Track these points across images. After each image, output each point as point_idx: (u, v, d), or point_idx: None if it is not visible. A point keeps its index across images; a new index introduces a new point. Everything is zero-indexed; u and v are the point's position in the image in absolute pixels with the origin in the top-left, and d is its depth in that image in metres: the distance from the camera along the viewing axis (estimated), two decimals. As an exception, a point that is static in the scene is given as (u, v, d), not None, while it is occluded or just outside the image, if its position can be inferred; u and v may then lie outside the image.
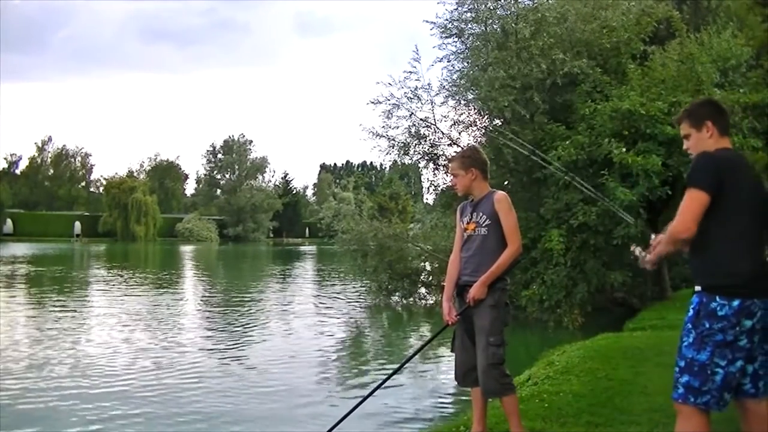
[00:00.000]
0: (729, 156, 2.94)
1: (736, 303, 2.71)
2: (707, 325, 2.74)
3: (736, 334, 2.72)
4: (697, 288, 2.82)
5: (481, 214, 4.01)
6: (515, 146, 5.26)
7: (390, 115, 14.46)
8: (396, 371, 4.92)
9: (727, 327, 2.71)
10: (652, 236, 3.16)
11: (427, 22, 14.11)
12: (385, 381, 4.65)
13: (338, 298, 18.09)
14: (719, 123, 3.01)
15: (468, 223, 4.06)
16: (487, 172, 4.15)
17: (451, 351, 4.21)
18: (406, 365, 8.15)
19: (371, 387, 4.85)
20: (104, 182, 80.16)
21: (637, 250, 3.23)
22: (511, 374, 4.03)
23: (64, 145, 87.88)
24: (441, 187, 15.14)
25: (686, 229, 2.80)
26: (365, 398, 4.50)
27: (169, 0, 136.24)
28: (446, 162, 14.47)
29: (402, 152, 14.94)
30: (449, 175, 4.19)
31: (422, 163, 15.30)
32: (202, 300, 18.28)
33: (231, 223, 76.39)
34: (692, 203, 2.79)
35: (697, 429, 2.78)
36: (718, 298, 2.73)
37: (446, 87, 14.27)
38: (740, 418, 2.92)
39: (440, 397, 7.43)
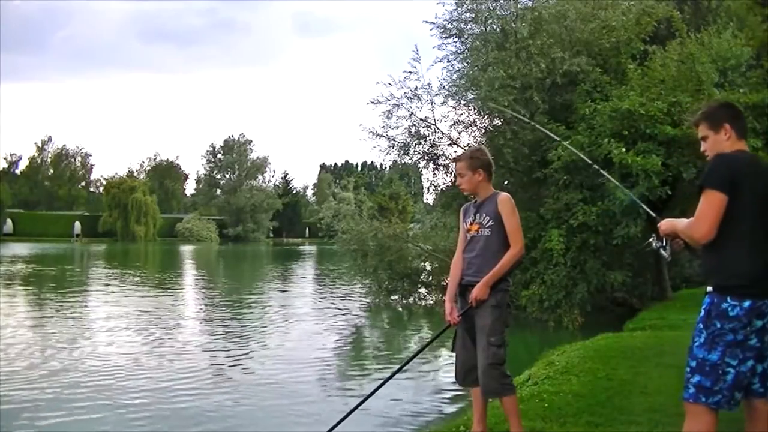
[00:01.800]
0: (745, 157, 2.95)
1: (747, 304, 2.72)
2: (718, 326, 2.75)
3: (746, 333, 2.73)
4: (709, 288, 2.83)
5: (484, 215, 4.02)
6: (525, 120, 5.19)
7: (390, 115, 14.48)
8: (397, 371, 4.92)
9: (738, 327, 2.73)
10: (656, 240, 3.20)
11: (426, 22, 14.15)
12: (386, 381, 4.64)
13: (338, 297, 18.09)
14: (737, 126, 3.02)
15: (471, 224, 4.08)
16: (492, 173, 4.16)
17: (452, 351, 4.22)
18: (407, 365, 8.19)
19: (371, 387, 4.85)
20: (104, 182, 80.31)
21: (654, 242, 3.25)
22: (511, 374, 4.03)
23: (64, 145, 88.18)
24: (441, 187, 15.15)
25: (706, 234, 2.82)
26: (365, 399, 4.50)
27: (169, 0, 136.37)
28: (447, 162, 14.48)
29: (402, 152, 14.95)
30: (455, 174, 4.18)
31: (422, 163, 15.31)
32: (202, 300, 18.28)
33: (231, 223, 76.43)
34: (711, 207, 2.80)
35: (705, 429, 2.79)
36: (729, 299, 2.74)
37: (446, 87, 14.29)
38: (746, 417, 2.92)
39: (440, 397, 7.43)
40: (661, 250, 3.28)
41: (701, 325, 2.82)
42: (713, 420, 2.80)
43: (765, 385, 2.84)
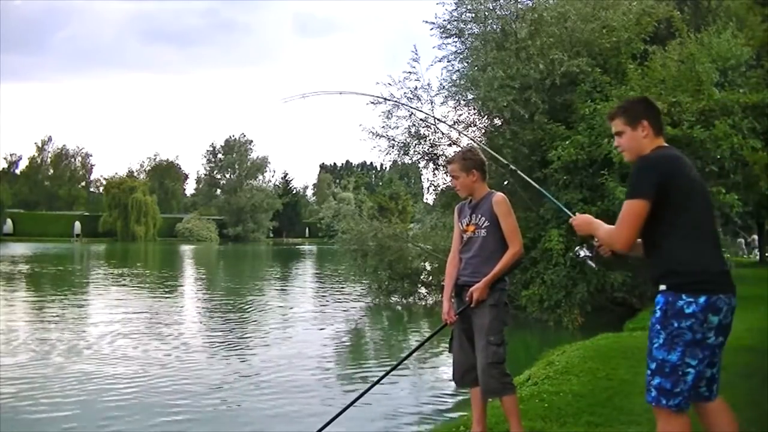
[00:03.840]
0: (669, 155, 2.89)
1: (702, 299, 2.69)
2: (676, 325, 2.71)
3: (704, 331, 2.70)
4: (662, 287, 2.78)
5: (480, 215, 4.01)
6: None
7: (390, 116, 14.47)
8: (392, 369, 4.95)
9: (696, 325, 2.69)
10: (583, 248, 3.17)
11: (426, 22, 14.16)
12: (380, 379, 4.67)
13: (338, 297, 18.08)
14: (655, 123, 2.96)
15: (467, 225, 4.06)
16: (486, 172, 4.14)
17: (449, 351, 4.22)
18: (406, 365, 8.17)
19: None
20: (104, 182, 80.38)
21: (581, 251, 3.20)
22: (511, 374, 4.03)
23: (64, 145, 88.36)
24: (441, 187, 15.15)
25: (625, 244, 2.81)
26: (358, 397, 4.52)
27: (170, 0, 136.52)
28: (445, 162, 14.48)
29: (402, 152, 14.95)
30: (449, 176, 4.17)
31: (422, 163, 15.32)
32: (202, 300, 18.27)
33: (231, 223, 76.47)
34: (631, 216, 2.77)
35: (679, 429, 2.76)
36: (684, 296, 2.70)
37: (446, 87, 14.29)
38: (702, 420, 2.90)
39: (440, 397, 7.43)
40: (588, 261, 3.19)
41: (658, 326, 2.77)
42: (685, 420, 2.76)
43: (711, 388, 2.84)
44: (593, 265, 3.22)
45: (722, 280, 2.77)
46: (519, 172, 4.78)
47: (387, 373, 4.81)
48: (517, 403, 4.05)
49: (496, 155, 5.13)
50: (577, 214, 3.22)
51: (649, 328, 2.84)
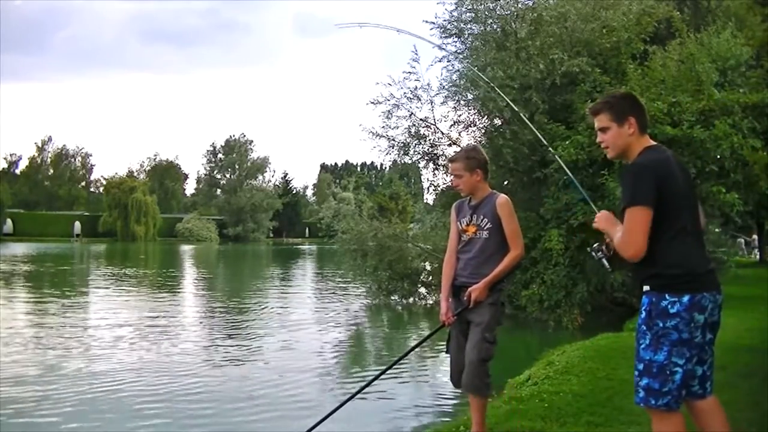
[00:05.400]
0: (662, 158, 2.84)
1: (686, 298, 2.67)
2: (661, 325, 2.70)
3: (691, 330, 2.69)
4: (646, 288, 2.76)
5: (482, 216, 3.98)
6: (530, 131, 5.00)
7: (390, 116, 14.45)
8: (388, 368, 4.97)
9: (681, 324, 2.68)
10: (600, 250, 3.11)
11: (426, 22, 14.16)
12: (373, 380, 4.69)
13: (338, 297, 18.08)
14: (641, 120, 2.91)
15: (468, 225, 4.03)
16: (488, 171, 4.12)
17: (446, 352, 4.22)
18: (406, 365, 8.17)
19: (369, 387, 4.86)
20: (104, 182, 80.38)
21: (596, 252, 3.14)
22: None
23: (64, 145, 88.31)
24: (441, 187, 15.15)
25: (638, 253, 2.73)
26: (349, 399, 4.53)
27: (170, 0, 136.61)
28: (446, 162, 14.47)
29: (402, 152, 14.94)
30: (451, 175, 4.16)
31: (422, 163, 15.31)
32: (201, 300, 18.27)
33: (231, 223, 76.48)
34: (639, 224, 2.71)
35: (674, 429, 2.75)
36: (667, 296, 2.69)
37: (446, 87, 14.28)
38: (694, 419, 2.90)
39: (440, 397, 7.42)
40: (604, 261, 3.12)
41: (644, 327, 2.77)
42: (679, 419, 2.75)
43: (704, 386, 2.82)
44: (607, 265, 3.14)
45: (707, 279, 2.76)
46: (560, 161, 4.80)
47: (379, 375, 4.82)
48: (486, 405, 4.09)
49: (542, 138, 5.08)
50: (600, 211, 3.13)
51: (635, 330, 2.84)
